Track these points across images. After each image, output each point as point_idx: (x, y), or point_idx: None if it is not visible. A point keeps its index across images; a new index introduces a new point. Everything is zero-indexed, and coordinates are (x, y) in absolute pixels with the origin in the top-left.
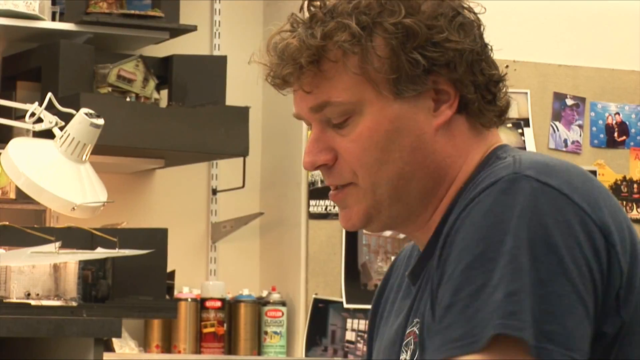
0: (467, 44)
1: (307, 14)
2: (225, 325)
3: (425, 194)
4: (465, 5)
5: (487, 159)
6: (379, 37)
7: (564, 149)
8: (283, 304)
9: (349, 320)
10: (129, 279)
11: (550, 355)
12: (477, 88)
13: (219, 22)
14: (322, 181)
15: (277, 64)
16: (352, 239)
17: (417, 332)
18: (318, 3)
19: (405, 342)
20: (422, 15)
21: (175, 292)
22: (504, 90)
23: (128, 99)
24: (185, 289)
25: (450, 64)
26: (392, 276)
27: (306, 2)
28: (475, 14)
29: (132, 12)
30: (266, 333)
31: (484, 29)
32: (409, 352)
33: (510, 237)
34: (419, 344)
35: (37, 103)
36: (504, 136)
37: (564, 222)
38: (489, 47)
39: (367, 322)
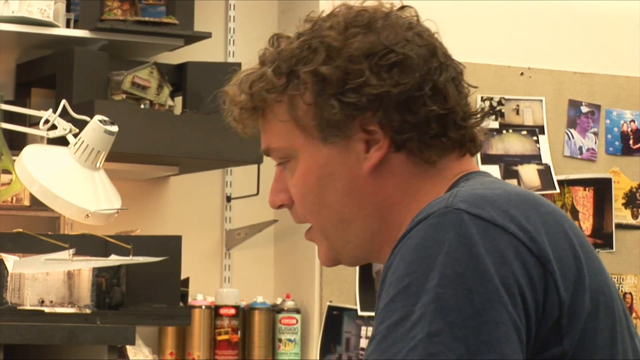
0: (390, 85)
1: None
2: (239, 332)
3: (373, 234)
4: (409, 38)
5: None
6: (301, 85)
7: (579, 157)
8: (297, 311)
9: (363, 328)
10: (143, 286)
11: None
12: (416, 125)
13: (234, 29)
14: None
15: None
16: None
17: None
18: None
19: None
20: (341, 59)
21: (190, 300)
22: (475, 116)
23: (142, 106)
24: (199, 296)
25: (372, 108)
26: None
27: (263, 49)
28: (423, 45)
29: (147, 19)
30: (280, 340)
31: (435, 56)
32: None
33: (436, 273)
34: None
35: (51, 110)
36: (519, 143)
37: (496, 252)
38: (440, 77)
39: None
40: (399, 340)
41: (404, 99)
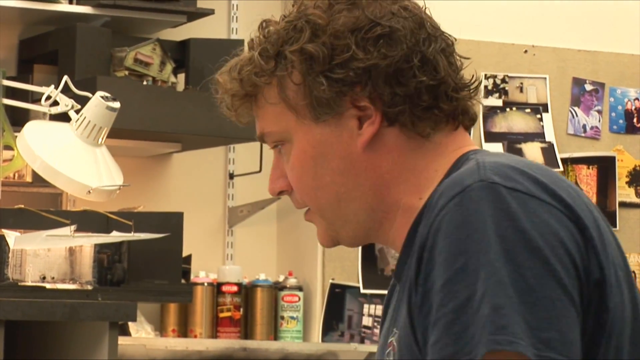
0: (377, 58)
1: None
2: (241, 309)
3: (371, 212)
4: (394, 11)
5: (454, 166)
6: (289, 65)
7: (583, 135)
8: (300, 288)
9: (365, 306)
10: (145, 262)
11: None
12: (407, 97)
13: (237, 5)
14: None
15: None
16: None
17: (395, 344)
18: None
19: (387, 351)
20: (326, 36)
21: (192, 277)
22: (468, 88)
23: (145, 83)
24: (201, 274)
25: (361, 82)
26: None
27: (252, 34)
28: (409, 17)
29: None
30: (283, 318)
31: (422, 28)
32: None
33: (489, 247)
34: (397, 354)
35: (53, 86)
36: (523, 121)
37: (541, 222)
38: (429, 49)
39: (381, 319)
40: (470, 324)
41: (392, 71)
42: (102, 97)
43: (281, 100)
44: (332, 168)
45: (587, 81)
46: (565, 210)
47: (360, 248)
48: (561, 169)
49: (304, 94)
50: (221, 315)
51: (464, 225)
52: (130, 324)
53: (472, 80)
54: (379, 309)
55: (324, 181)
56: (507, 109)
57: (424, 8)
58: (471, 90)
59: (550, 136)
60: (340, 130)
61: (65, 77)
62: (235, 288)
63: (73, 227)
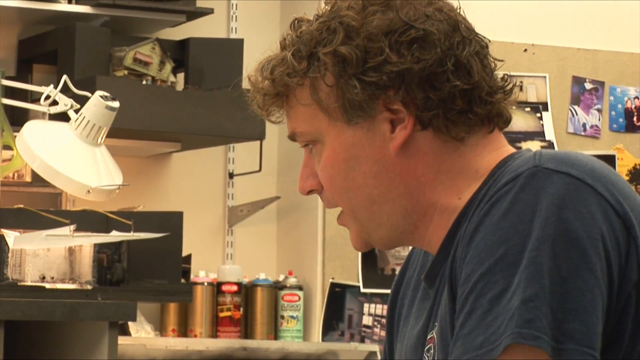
0: (411, 62)
1: None
2: (241, 309)
3: (406, 214)
4: (428, 13)
5: (501, 164)
6: (322, 67)
7: (583, 133)
8: (300, 288)
9: (365, 305)
10: (145, 262)
11: (571, 355)
12: (441, 102)
13: (236, 5)
14: None
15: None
16: None
17: (436, 336)
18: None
19: (426, 347)
20: (360, 38)
21: (192, 276)
22: (502, 90)
23: (144, 82)
24: (201, 273)
25: (394, 86)
26: (408, 270)
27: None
28: (444, 19)
29: None
30: (283, 317)
31: (457, 31)
32: (429, 357)
33: (530, 238)
34: (438, 346)
35: (52, 86)
36: (523, 120)
37: (587, 213)
38: (463, 52)
39: (386, 317)
40: (500, 314)
41: (426, 75)
42: (101, 96)
43: (313, 101)
44: (364, 171)
45: (587, 80)
46: (615, 204)
47: None
48: None
49: (336, 96)
50: (221, 314)
51: (510, 214)
52: (130, 323)
53: (506, 82)
54: (379, 308)
55: (356, 183)
56: None
57: (458, 9)
58: (505, 93)
59: (550, 135)
60: (373, 134)
61: (65, 77)
62: (235, 287)
63: (72, 227)
